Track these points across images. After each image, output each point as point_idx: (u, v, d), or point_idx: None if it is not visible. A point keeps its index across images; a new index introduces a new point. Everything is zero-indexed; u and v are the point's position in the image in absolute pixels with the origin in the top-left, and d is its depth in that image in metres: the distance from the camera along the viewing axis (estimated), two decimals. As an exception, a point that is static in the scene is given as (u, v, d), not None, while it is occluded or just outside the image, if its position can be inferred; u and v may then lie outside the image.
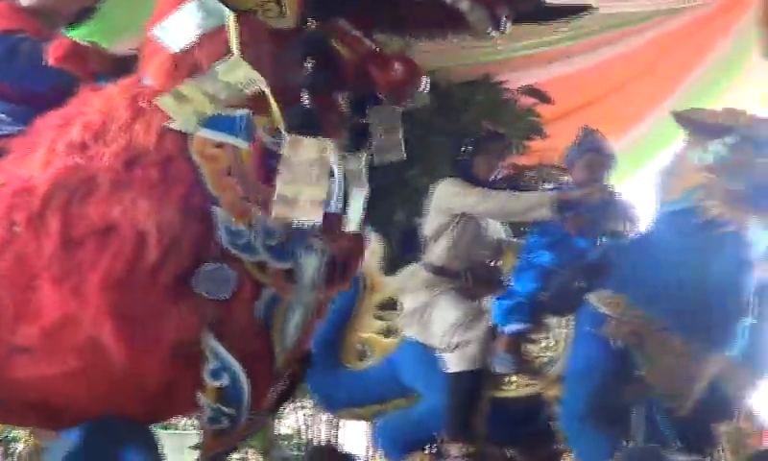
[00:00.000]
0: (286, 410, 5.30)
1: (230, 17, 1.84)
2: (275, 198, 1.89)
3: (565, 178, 4.02)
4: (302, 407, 5.17)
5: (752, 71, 6.50)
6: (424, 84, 2.03)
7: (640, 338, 3.34)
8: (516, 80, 6.02)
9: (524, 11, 2.03)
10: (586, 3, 2.12)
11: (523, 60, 5.98)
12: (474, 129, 5.16)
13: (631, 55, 6.23)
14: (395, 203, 5.19)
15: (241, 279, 1.91)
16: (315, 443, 5.22)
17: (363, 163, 2.14)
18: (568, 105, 5.95)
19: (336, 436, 5.12)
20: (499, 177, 4.00)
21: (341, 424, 4.95)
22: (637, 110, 5.80)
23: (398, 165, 2.25)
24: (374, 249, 4.00)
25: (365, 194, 2.08)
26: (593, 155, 3.78)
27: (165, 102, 1.86)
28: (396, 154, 2.27)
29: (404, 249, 4.32)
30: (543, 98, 5.93)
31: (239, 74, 1.86)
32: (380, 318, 4.10)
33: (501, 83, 6.00)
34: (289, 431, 5.49)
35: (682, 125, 3.45)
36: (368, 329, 4.09)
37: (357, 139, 2.23)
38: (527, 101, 6.02)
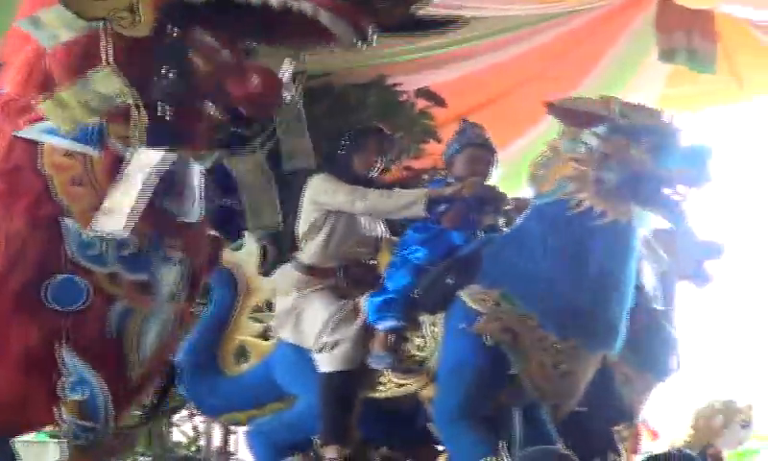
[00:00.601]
0: (180, 417, 5.05)
1: (102, 27, 1.84)
2: (99, 209, 1.86)
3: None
4: (197, 414, 4.81)
5: (650, 72, 6.33)
6: (289, 96, 2.05)
7: (513, 335, 3.17)
8: (412, 82, 5.82)
9: (391, 23, 2.01)
10: (457, 15, 1.98)
11: (419, 62, 5.81)
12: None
13: (526, 57, 6.08)
14: (281, 203, 4.84)
15: (92, 290, 1.90)
16: (209, 449, 4.84)
17: (254, 165, 2.17)
18: (462, 107, 5.73)
19: (229, 442, 4.77)
20: (377, 173, 3.82)
21: (235, 429, 4.57)
22: (533, 112, 5.62)
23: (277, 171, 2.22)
24: (252, 250, 3.89)
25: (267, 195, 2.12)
26: (474, 149, 3.59)
27: (45, 106, 1.85)
28: (304, 160, 2.40)
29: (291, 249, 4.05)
30: (437, 100, 5.75)
31: (111, 85, 1.85)
32: (258, 320, 3.93)
33: (395, 85, 5.78)
34: (184, 439, 5.14)
35: (555, 115, 3.30)
36: (245, 332, 3.92)
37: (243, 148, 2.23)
38: (422, 103, 5.82)
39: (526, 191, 3.48)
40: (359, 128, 3.93)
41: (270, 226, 2.40)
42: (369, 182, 3.71)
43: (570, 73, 6.17)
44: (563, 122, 3.29)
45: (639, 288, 3.46)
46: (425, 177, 5.22)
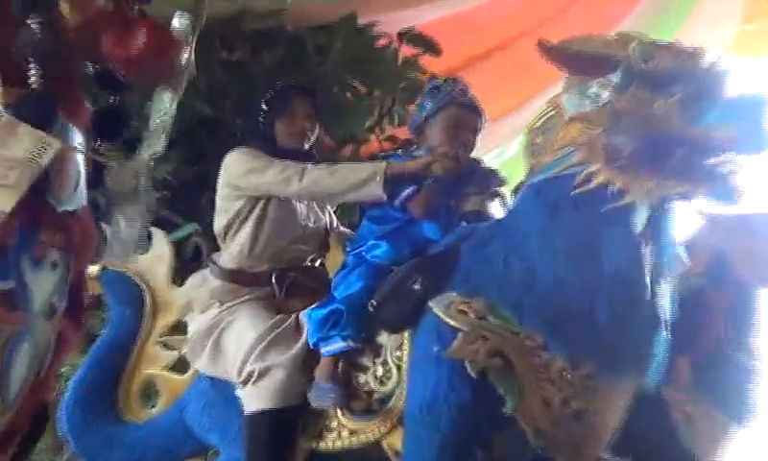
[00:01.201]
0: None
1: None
2: None
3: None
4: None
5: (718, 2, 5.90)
6: (185, 60, 2.05)
7: (505, 361, 2.83)
8: (393, 22, 5.49)
9: None
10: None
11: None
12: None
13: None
14: (203, 192, 4.73)
15: None
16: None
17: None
18: (463, 55, 5.49)
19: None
20: (309, 144, 3.61)
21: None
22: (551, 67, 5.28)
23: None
24: (161, 254, 3.70)
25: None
26: (453, 111, 3.32)
27: None
28: (157, 143, 2.40)
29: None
30: (428, 46, 5.44)
31: None
32: (170, 347, 3.68)
33: (370, 25, 5.42)
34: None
35: (553, 60, 2.94)
36: (154, 364, 3.66)
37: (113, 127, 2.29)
38: (408, 51, 5.49)
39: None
40: (278, 86, 3.71)
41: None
42: (304, 157, 3.51)
43: (600, 11, 5.68)
44: (565, 70, 2.98)
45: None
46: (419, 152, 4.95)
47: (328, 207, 3.75)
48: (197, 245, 4.63)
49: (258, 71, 5.08)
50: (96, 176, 2.46)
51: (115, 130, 2.46)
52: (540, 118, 3.06)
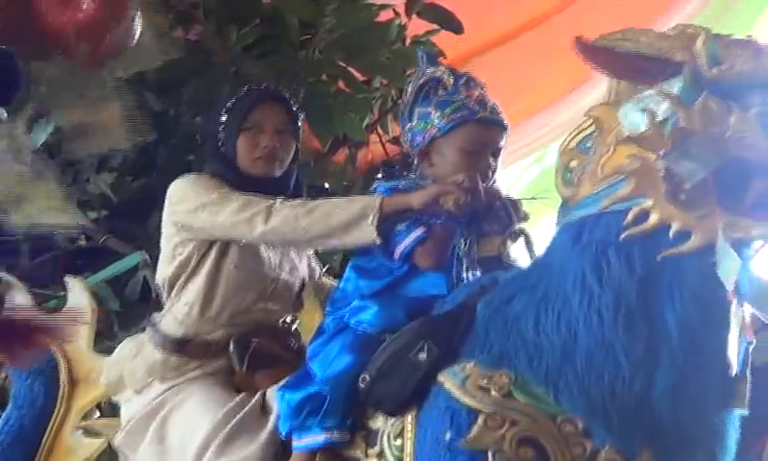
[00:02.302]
0: None
1: None
2: None
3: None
4: None
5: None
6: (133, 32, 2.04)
7: (539, 451, 2.81)
8: None
9: None
10: None
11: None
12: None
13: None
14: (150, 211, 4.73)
15: None
16: None
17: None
18: (486, 34, 5.50)
19: None
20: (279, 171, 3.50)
21: None
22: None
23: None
24: (80, 309, 3.65)
25: None
26: (475, 128, 3.22)
27: None
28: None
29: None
30: (446, 21, 5.35)
31: None
32: (93, 434, 3.64)
33: None
34: None
35: (593, 62, 2.90)
36: (73, 457, 3.61)
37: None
38: (418, 26, 5.42)
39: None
40: (241, 91, 3.58)
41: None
42: (275, 187, 3.39)
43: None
44: (609, 74, 2.93)
45: None
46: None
47: (308, 252, 3.64)
48: (144, 280, 4.53)
49: (224, 54, 5.03)
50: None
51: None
52: (575, 135, 2.99)
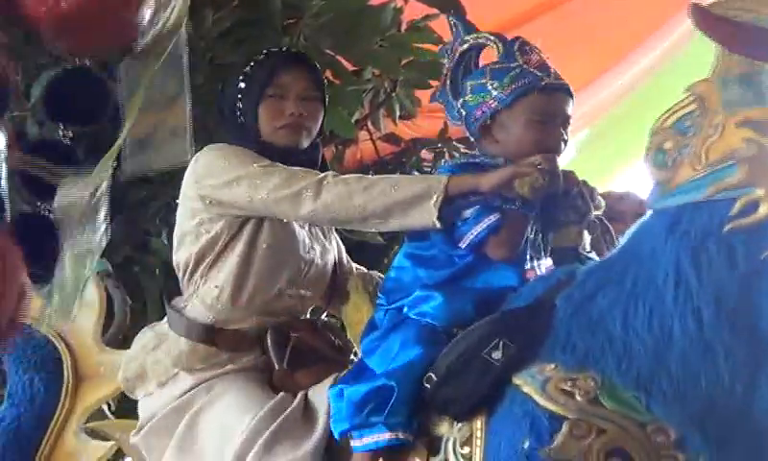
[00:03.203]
0: None
1: None
2: None
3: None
4: None
5: None
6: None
7: (628, 459, 2.92)
8: None
9: None
10: None
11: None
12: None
13: None
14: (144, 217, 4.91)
15: None
16: None
17: None
18: (497, 17, 5.50)
19: None
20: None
21: None
22: (631, 35, 5.37)
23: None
24: (89, 300, 3.73)
25: None
26: (538, 98, 3.30)
27: None
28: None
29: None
30: (449, 4, 5.25)
31: None
32: (101, 436, 3.74)
33: None
34: None
35: (704, 30, 2.98)
36: None
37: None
38: (415, 9, 5.48)
39: (640, 182, 3.27)
40: (259, 55, 3.67)
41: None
42: (304, 159, 3.49)
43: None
44: (720, 44, 3.00)
45: None
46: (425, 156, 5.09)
47: (335, 234, 3.71)
48: (107, 294, 4.64)
49: (197, 40, 5.01)
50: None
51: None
52: (673, 113, 3.07)
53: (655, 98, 6.92)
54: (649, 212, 3.09)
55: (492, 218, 3.18)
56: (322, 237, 3.64)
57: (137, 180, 4.87)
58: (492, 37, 3.43)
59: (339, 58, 5.39)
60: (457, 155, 6.05)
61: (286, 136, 3.54)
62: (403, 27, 5.63)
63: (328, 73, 5.29)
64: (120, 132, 2.80)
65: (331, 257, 3.66)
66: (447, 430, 3.13)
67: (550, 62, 3.38)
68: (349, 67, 5.53)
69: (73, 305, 2.90)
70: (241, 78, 3.59)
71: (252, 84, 3.57)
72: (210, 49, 5.00)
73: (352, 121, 5.68)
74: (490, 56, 3.40)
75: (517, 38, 3.42)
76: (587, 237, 3.35)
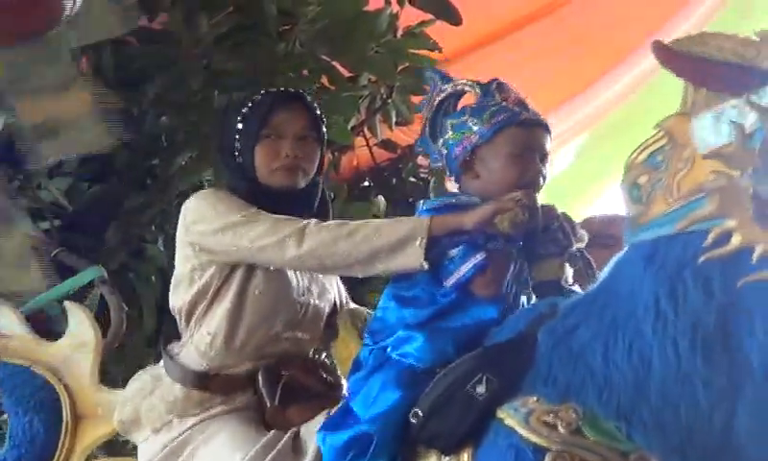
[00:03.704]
0: None
1: None
2: None
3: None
4: None
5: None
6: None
7: None
8: None
9: None
10: None
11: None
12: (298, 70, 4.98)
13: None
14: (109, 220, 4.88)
15: None
16: None
17: None
18: (491, 23, 5.67)
19: None
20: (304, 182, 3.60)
21: None
22: (629, 38, 5.37)
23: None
24: (84, 339, 3.76)
25: None
26: (519, 131, 3.36)
27: None
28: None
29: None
30: (443, 10, 5.45)
31: None
32: None
33: None
34: None
35: (670, 67, 3.03)
36: None
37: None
38: (411, 15, 5.53)
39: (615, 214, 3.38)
40: (254, 95, 3.67)
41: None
42: (300, 201, 3.54)
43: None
44: (689, 81, 3.04)
45: None
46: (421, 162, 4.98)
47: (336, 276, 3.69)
48: (101, 299, 4.56)
49: (193, 45, 5.07)
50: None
51: None
52: (644, 148, 3.11)
53: (654, 102, 6.95)
54: (626, 247, 3.12)
55: (479, 257, 3.20)
56: (320, 278, 3.66)
57: (131, 187, 4.91)
58: (469, 83, 3.47)
59: (335, 64, 5.42)
60: None
61: (282, 178, 3.56)
62: (399, 33, 5.69)
63: (324, 79, 5.40)
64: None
65: (330, 297, 3.69)
66: (438, 469, 3.14)
67: (526, 99, 3.44)
68: (345, 73, 5.57)
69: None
70: (239, 118, 3.60)
71: (248, 124, 3.58)
72: (206, 55, 5.02)
73: (348, 127, 5.69)
74: (468, 101, 3.47)
75: (494, 80, 3.47)
76: (568, 270, 3.38)
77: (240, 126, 3.58)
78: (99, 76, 4.80)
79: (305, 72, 5.39)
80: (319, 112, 3.67)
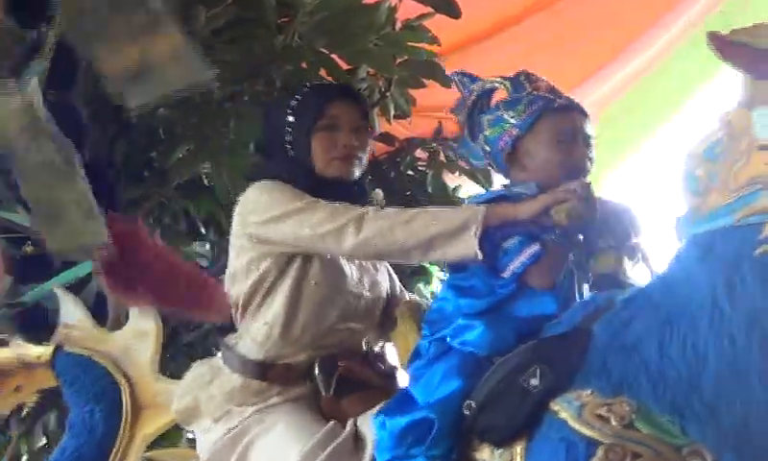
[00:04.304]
0: None
1: None
2: None
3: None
4: None
5: None
6: None
7: None
8: None
9: None
10: None
11: None
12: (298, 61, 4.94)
13: None
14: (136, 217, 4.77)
15: None
16: None
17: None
18: (489, 17, 5.61)
19: None
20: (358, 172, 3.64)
21: None
22: (626, 33, 5.34)
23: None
24: (144, 329, 3.82)
25: None
26: (558, 118, 3.38)
27: None
28: None
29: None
30: (443, 4, 5.42)
31: None
32: None
33: None
34: None
35: (732, 60, 2.99)
36: None
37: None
38: (410, 8, 5.47)
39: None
40: (305, 88, 3.74)
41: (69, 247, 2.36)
42: (354, 191, 3.59)
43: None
44: (745, 72, 3.00)
45: None
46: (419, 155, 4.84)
47: (387, 265, 3.76)
48: (98, 292, 4.62)
49: (191, 38, 5.06)
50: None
51: None
52: (704, 141, 3.09)
53: (647, 98, 6.92)
54: (683, 241, 3.10)
55: (534, 248, 3.21)
56: (372, 270, 3.70)
57: (129, 179, 4.92)
58: (498, 79, 3.49)
59: (333, 56, 5.41)
60: (452, 154, 6.11)
61: (339, 168, 3.61)
62: (398, 26, 5.64)
63: (323, 72, 5.37)
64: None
65: (383, 289, 3.71)
66: (488, 456, 3.14)
67: (554, 89, 3.44)
68: (344, 66, 5.54)
69: None
70: (289, 111, 3.64)
71: (302, 116, 3.62)
72: (204, 47, 4.93)
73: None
74: (500, 98, 3.48)
75: (522, 72, 3.48)
76: (627, 264, 3.35)
77: (291, 119, 3.62)
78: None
79: (304, 64, 5.40)
80: (367, 106, 3.75)
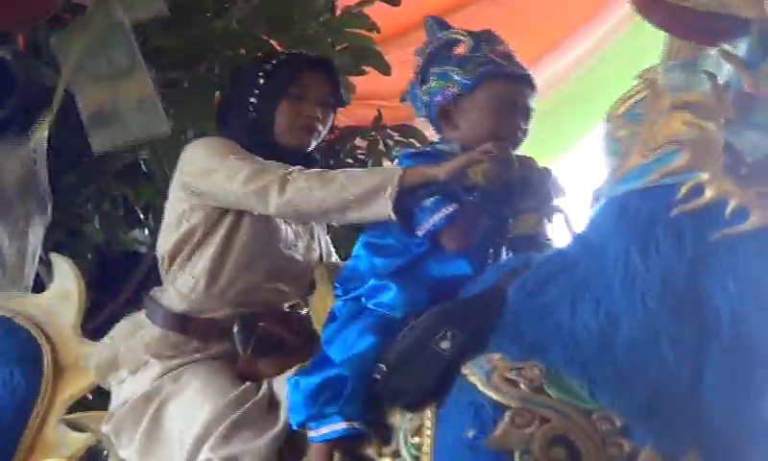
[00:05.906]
0: None
1: None
2: None
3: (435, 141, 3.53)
4: None
5: None
6: None
7: (572, 451, 2.88)
8: None
9: None
10: None
11: None
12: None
13: None
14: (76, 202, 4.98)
15: None
16: None
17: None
18: (428, 7, 5.39)
19: None
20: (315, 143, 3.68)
21: None
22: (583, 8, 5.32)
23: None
24: (66, 290, 3.79)
25: None
26: (503, 85, 3.38)
27: None
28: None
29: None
30: None
31: None
32: (79, 427, 3.74)
33: None
34: None
35: (651, 17, 2.96)
36: (56, 453, 3.72)
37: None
38: None
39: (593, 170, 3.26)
40: (282, 55, 3.83)
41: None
42: (305, 161, 3.57)
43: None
44: (661, 28, 2.98)
45: None
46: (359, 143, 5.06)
47: (322, 231, 3.76)
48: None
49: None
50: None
51: None
52: (624, 101, 3.08)
53: (590, 86, 6.93)
54: (600, 202, 3.09)
55: (450, 208, 3.20)
56: (308, 235, 3.71)
57: (68, 165, 4.94)
58: (462, 32, 3.47)
59: (272, 41, 5.39)
60: (391, 143, 6.15)
61: (299, 138, 3.66)
62: (338, 12, 5.71)
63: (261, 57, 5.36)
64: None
65: (316, 253, 3.72)
66: (399, 420, 3.14)
67: (513, 52, 3.43)
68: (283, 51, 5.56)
69: (24, 274, 2.88)
70: (261, 74, 3.68)
71: (274, 81, 3.66)
72: (141, 33, 4.92)
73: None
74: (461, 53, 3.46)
75: (487, 31, 3.48)
76: (547, 225, 3.35)
77: (262, 81, 3.66)
78: (34, 53, 4.83)
79: (242, 50, 5.39)
80: (338, 81, 3.78)
